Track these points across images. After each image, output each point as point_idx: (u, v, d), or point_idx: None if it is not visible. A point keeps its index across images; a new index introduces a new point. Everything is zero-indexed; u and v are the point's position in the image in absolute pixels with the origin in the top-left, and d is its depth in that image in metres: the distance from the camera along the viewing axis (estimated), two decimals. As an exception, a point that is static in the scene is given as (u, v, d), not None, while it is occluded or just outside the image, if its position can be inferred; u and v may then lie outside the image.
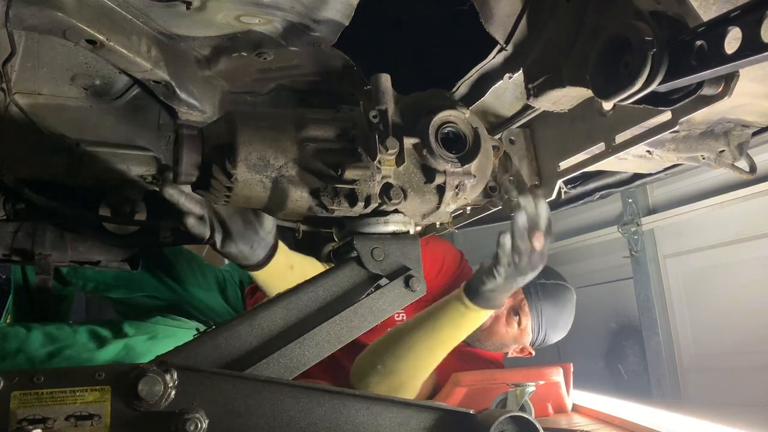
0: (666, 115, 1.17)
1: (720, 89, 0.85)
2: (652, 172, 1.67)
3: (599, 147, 1.37)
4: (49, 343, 1.81)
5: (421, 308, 1.63)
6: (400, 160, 1.14)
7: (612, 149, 1.32)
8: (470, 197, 1.27)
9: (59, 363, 1.78)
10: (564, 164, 1.50)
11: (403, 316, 2.03)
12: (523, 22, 1.10)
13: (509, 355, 2.12)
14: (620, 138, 1.30)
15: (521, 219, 1.36)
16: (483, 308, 1.52)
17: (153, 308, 2.22)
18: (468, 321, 1.54)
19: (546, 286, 2.01)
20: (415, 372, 1.58)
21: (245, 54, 1.36)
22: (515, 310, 2.00)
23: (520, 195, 1.35)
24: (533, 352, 2.10)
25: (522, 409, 1.69)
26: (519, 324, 2.00)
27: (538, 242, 1.38)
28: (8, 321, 2.21)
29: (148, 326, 1.98)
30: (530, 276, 1.42)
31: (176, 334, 1.98)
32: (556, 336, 2.06)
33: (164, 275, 2.28)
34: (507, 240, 1.39)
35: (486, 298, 1.49)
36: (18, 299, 2.20)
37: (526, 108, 1.33)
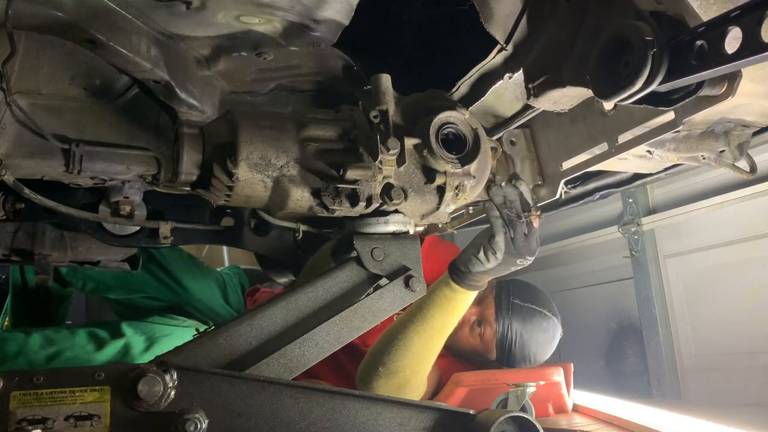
0: (669, 115, 1.17)
1: (723, 89, 0.85)
2: (652, 172, 1.67)
3: (602, 147, 1.37)
4: (48, 346, 1.81)
5: None
6: (401, 160, 1.14)
7: (615, 149, 1.32)
8: (469, 198, 1.27)
9: (58, 365, 1.78)
10: (566, 164, 1.49)
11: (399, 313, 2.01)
12: (523, 22, 1.10)
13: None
14: (623, 138, 1.30)
15: (497, 192, 1.33)
16: (469, 290, 1.48)
17: (153, 309, 2.22)
18: (456, 305, 1.50)
19: (520, 307, 1.92)
20: (415, 368, 1.57)
21: (245, 54, 1.35)
22: (480, 321, 1.93)
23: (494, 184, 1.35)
24: None
25: (523, 409, 1.69)
26: (482, 336, 1.93)
27: (536, 220, 1.35)
28: (6, 321, 2.21)
29: (146, 326, 1.98)
30: (529, 260, 1.37)
31: (174, 332, 1.98)
32: (524, 363, 1.94)
33: (164, 276, 2.28)
34: (498, 219, 1.33)
35: (474, 279, 1.45)
36: (16, 300, 2.20)
37: (526, 108, 1.33)
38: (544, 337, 1.95)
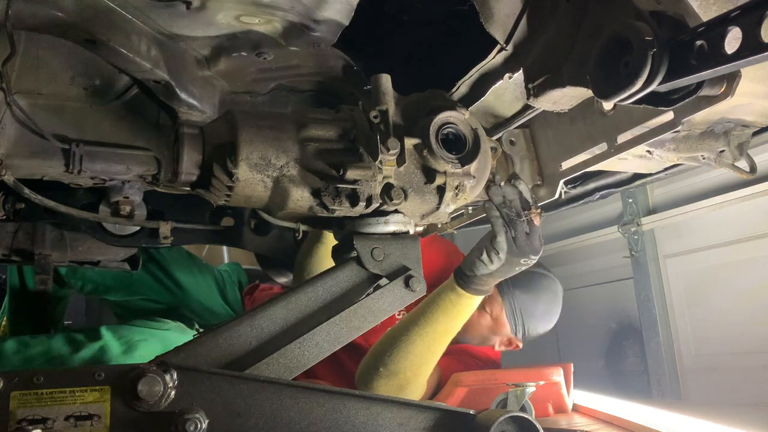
0: (668, 115, 1.17)
1: (722, 89, 0.85)
2: (652, 172, 1.67)
3: (601, 147, 1.37)
4: (23, 350, 1.82)
5: None
6: (401, 160, 1.14)
7: (614, 149, 1.32)
8: (469, 198, 1.27)
9: (32, 368, 1.78)
10: (566, 164, 1.49)
11: (403, 314, 2.02)
12: (523, 21, 1.10)
13: (497, 348, 2.03)
14: (622, 138, 1.31)
15: (496, 192, 1.34)
16: (475, 294, 1.48)
17: (151, 312, 2.22)
18: (461, 309, 1.50)
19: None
20: (417, 370, 1.57)
21: (245, 54, 1.35)
22: (485, 300, 1.88)
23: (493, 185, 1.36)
24: (520, 345, 2.01)
25: (522, 409, 1.69)
26: (492, 313, 1.93)
27: (537, 218, 1.36)
28: (4, 322, 2.21)
29: (124, 329, 1.98)
30: (533, 259, 1.37)
31: (155, 335, 1.98)
32: (539, 326, 1.95)
33: (163, 276, 2.28)
34: (498, 219, 1.34)
35: (479, 283, 1.45)
36: (14, 300, 2.20)
37: (526, 108, 1.33)
38: (548, 295, 1.96)
